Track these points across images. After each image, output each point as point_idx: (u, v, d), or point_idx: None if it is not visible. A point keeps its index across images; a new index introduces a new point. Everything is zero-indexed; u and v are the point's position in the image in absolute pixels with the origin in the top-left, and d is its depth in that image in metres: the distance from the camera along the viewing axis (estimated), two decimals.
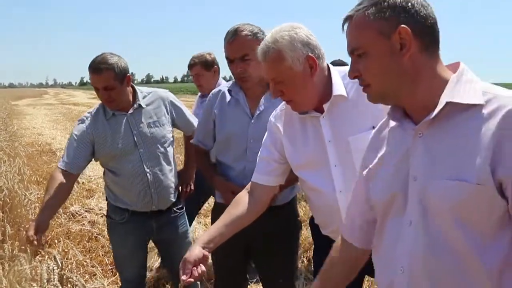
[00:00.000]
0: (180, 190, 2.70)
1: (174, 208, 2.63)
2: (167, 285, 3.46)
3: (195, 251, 1.60)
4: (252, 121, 2.19)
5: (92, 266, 3.51)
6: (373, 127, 1.40)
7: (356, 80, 1.20)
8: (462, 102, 1.02)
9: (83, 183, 6.73)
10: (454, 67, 1.11)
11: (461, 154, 1.01)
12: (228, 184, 2.20)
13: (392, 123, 1.22)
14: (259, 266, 2.41)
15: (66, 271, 3.17)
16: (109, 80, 2.29)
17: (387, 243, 1.20)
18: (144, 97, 2.52)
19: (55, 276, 2.35)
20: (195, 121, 2.66)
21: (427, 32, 1.07)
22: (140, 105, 2.48)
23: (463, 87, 1.04)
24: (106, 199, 2.64)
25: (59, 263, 2.73)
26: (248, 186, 1.87)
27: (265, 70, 1.66)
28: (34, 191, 5.06)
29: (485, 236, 1.00)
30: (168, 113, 2.57)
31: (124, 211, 2.53)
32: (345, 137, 1.65)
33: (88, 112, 2.53)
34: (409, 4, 1.05)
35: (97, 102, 2.53)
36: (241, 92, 2.23)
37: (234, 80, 2.29)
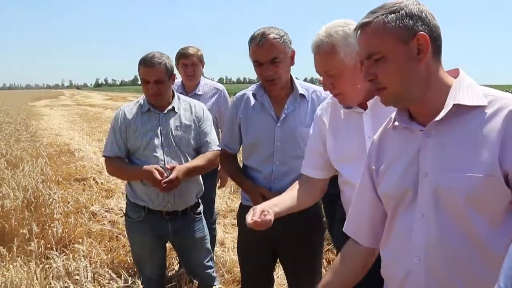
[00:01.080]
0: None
1: (191, 213, 2.67)
2: (188, 284, 3.49)
3: (263, 206, 1.72)
4: (278, 124, 2.22)
5: (117, 265, 3.56)
6: None
7: None
8: (467, 104, 1.13)
9: (101, 183, 6.82)
10: (454, 73, 1.23)
11: (470, 150, 1.11)
12: (258, 188, 2.23)
13: (395, 126, 1.31)
14: (285, 266, 2.44)
15: (92, 268, 3.24)
16: (161, 74, 2.47)
17: (398, 236, 1.28)
18: (179, 103, 2.65)
19: (87, 274, 2.40)
20: (214, 142, 2.66)
21: (436, 40, 1.17)
22: (173, 108, 2.60)
23: (466, 91, 1.16)
24: (126, 197, 2.73)
25: (87, 261, 2.79)
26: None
27: (317, 63, 1.72)
28: (57, 191, 5.16)
29: (494, 223, 1.11)
30: (197, 123, 2.65)
31: (141, 209, 2.60)
32: None
33: (126, 105, 2.70)
34: (423, 14, 1.16)
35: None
36: (266, 95, 2.26)
37: (258, 83, 2.33)
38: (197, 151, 2.64)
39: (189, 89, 3.59)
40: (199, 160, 2.55)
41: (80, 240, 4.03)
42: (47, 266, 2.94)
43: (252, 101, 2.30)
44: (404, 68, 1.16)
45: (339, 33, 1.65)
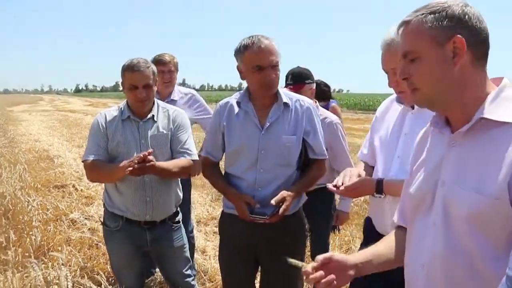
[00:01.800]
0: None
1: (170, 222, 2.65)
2: None
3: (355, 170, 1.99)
4: (262, 132, 2.23)
5: (97, 274, 3.51)
6: None
7: None
8: (494, 119, 1.08)
9: (81, 190, 6.73)
10: (498, 81, 1.17)
11: (485, 168, 1.07)
12: (242, 195, 2.22)
13: (433, 129, 1.29)
14: (266, 273, 2.42)
15: (71, 277, 3.19)
16: (150, 78, 2.50)
17: (414, 238, 1.29)
18: (158, 110, 2.62)
19: (67, 283, 2.36)
20: (189, 152, 2.58)
21: (479, 46, 1.13)
22: (153, 116, 2.57)
23: (499, 104, 1.10)
24: (104, 206, 2.68)
25: (66, 270, 2.74)
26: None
27: (386, 61, 1.86)
28: (36, 197, 5.07)
29: (499, 246, 1.06)
30: (173, 131, 2.61)
31: (119, 218, 2.57)
32: (417, 135, 1.82)
33: (107, 110, 2.66)
34: (466, 16, 1.11)
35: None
36: (250, 103, 2.27)
37: (242, 91, 2.33)
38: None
39: (163, 96, 3.55)
40: (171, 165, 2.49)
41: (59, 248, 3.96)
42: (25, 275, 2.89)
43: (236, 109, 2.30)
44: (437, 70, 1.14)
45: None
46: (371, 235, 2.06)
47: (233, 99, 2.35)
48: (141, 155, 2.25)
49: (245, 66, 2.17)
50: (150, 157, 2.28)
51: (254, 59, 2.13)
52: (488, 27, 1.14)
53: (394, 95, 2.06)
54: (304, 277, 1.31)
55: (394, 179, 1.86)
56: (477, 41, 1.12)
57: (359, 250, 2.24)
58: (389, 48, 1.81)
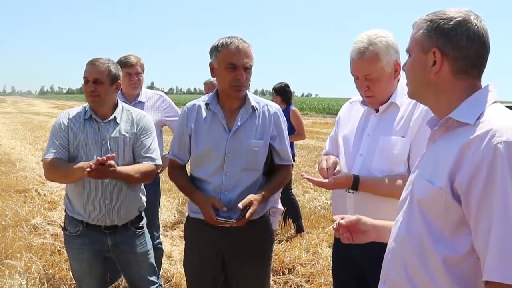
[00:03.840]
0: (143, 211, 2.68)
1: (132, 227, 2.59)
2: None
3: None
4: (230, 135, 2.21)
5: (57, 281, 3.40)
6: (403, 136, 1.85)
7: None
8: (457, 119, 1.19)
9: (44, 195, 6.55)
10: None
11: (439, 161, 1.18)
12: (209, 198, 2.18)
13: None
14: (233, 278, 2.38)
15: (29, 285, 3.07)
16: (101, 74, 2.43)
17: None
18: (122, 112, 2.56)
19: None
20: (152, 158, 2.54)
21: (460, 60, 1.21)
22: (115, 118, 2.51)
23: (468, 107, 1.19)
24: (65, 211, 2.61)
25: (24, 278, 2.64)
26: None
27: (357, 67, 1.91)
28: None
29: (444, 232, 1.18)
30: (136, 135, 2.55)
31: (79, 223, 2.50)
32: (379, 135, 1.94)
33: (72, 109, 2.59)
34: (453, 32, 1.20)
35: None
36: (219, 106, 2.25)
37: (211, 94, 2.31)
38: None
39: (131, 98, 3.48)
40: (133, 170, 2.43)
41: (18, 255, 3.82)
42: None
43: (204, 111, 2.27)
44: (418, 71, 1.28)
45: (382, 43, 1.85)
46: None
47: (200, 101, 2.32)
48: (100, 158, 2.19)
49: (219, 63, 2.15)
50: (112, 162, 2.23)
51: (229, 57, 2.12)
52: (484, 46, 1.21)
53: (356, 98, 2.15)
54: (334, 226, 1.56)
55: (368, 177, 1.91)
56: (460, 56, 1.20)
57: (332, 253, 2.26)
58: (362, 56, 1.86)
